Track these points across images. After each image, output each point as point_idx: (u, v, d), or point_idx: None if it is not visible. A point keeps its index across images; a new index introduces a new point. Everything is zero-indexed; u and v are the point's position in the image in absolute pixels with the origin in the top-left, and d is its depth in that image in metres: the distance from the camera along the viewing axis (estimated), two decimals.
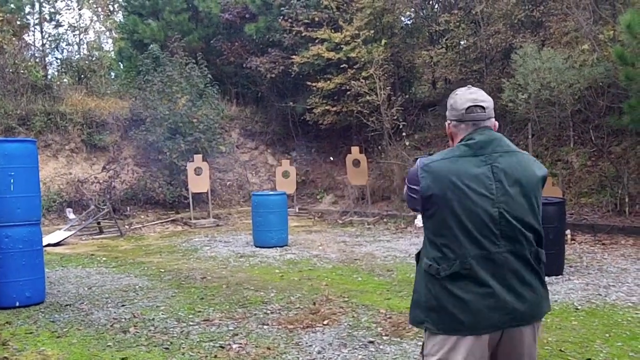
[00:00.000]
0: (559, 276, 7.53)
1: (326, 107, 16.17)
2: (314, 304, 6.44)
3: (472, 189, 2.36)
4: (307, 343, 5.13)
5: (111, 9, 29.92)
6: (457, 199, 2.36)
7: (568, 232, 9.47)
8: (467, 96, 2.55)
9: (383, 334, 5.32)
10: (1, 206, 6.54)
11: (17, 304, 6.55)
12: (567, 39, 13.06)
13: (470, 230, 2.35)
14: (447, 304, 2.37)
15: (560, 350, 4.79)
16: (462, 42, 16.08)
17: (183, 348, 5.03)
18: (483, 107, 2.53)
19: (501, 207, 2.37)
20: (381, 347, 4.98)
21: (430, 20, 17.10)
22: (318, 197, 16.80)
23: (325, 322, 5.70)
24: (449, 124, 2.60)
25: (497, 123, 2.62)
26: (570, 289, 6.91)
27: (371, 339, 5.18)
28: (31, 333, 5.61)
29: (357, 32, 15.76)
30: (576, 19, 12.43)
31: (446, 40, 15.68)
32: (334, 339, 5.21)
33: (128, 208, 14.37)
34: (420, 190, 2.43)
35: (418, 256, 2.61)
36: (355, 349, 4.95)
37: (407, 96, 16.19)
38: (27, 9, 21.86)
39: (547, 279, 7.11)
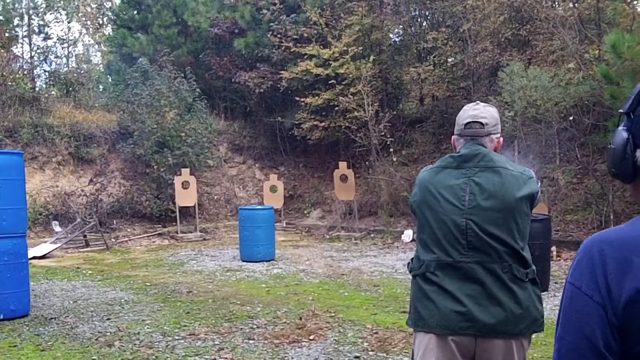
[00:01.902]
0: (544, 292, 7.58)
1: (314, 123, 16.24)
2: (300, 318, 6.44)
3: (444, 197, 2.48)
4: (293, 358, 5.13)
5: (100, 22, 29.96)
6: (431, 206, 2.51)
7: (554, 248, 9.55)
8: (469, 112, 2.65)
9: (369, 349, 5.33)
10: None
11: (2, 316, 6.49)
12: (553, 57, 13.25)
13: (438, 237, 2.47)
14: (418, 302, 2.51)
15: None
16: (449, 60, 16.25)
17: None
18: (482, 123, 2.59)
19: (469, 219, 2.44)
20: None
21: (419, 37, 17.28)
22: (305, 211, 16.81)
23: (311, 337, 5.70)
24: (453, 137, 2.70)
25: (501, 139, 2.70)
26: (555, 305, 6.95)
27: (357, 354, 5.19)
28: (15, 346, 5.56)
29: (345, 48, 15.89)
30: (562, 38, 12.62)
31: (434, 57, 15.83)
32: (320, 354, 5.21)
33: (115, 221, 14.30)
34: (412, 196, 2.65)
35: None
36: None
37: (394, 112, 16.30)
38: (16, 21, 21.82)
39: None
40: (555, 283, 8.10)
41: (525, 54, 14.26)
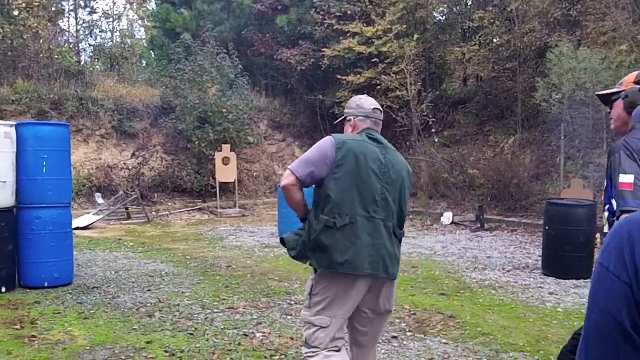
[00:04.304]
0: (587, 279, 7.41)
1: None
2: None
3: (371, 168, 3.08)
4: None
5: None
6: (359, 171, 3.05)
7: (598, 235, 9.32)
8: (370, 101, 3.36)
9: (406, 330, 5.29)
10: (33, 188, 6.65)
11: (46, 284, 6.66)
12: (604, 39, 12.82)
13: (363, 197, 3.05)
14: (337, 249, 2.97)
15: None
16: (495, 40, 15.89)
17: (207, 334, 5.06)
18: (381, 111, 3.37)
19: (384, 187, 3.11)
20: (404, 342, 4.95)
21: (464, 16, 16.92)
22: None
23: None
24: (354, 117, 3.30)
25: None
26: None
27: (394, 334, 5.15)
28: (59, 313, 5.69)
29: (389, 26, 15.68)
30: (614, 18, 12.19)
31: (479, 37, 15.50)
32: None
33: (155, 195, 14.51)
34: (334, 158, 3.05)
35: (304, 220, 3.20)
36: (379, 343, 4.90)
37: (437, 92, 16.07)
38: None
39: (575, 281, 6.96)
40: None
41: (575, 34, 13.85)
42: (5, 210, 6.52)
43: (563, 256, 7.51)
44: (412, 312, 5.85)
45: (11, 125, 6.67)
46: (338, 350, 3.10)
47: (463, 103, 16.85)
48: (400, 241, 3.25)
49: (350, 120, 3.32)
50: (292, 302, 6.20)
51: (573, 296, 6.66)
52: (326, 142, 3.10)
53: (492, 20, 15.16)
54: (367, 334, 3.27)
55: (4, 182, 6.43)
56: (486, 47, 15.85)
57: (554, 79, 11.58)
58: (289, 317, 5.67)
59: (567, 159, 11.94)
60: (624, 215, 2.45)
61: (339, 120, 3.50)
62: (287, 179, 3.05)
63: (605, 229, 2.77)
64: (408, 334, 5.19)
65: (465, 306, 6.14)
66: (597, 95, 3.18)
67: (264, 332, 5.15)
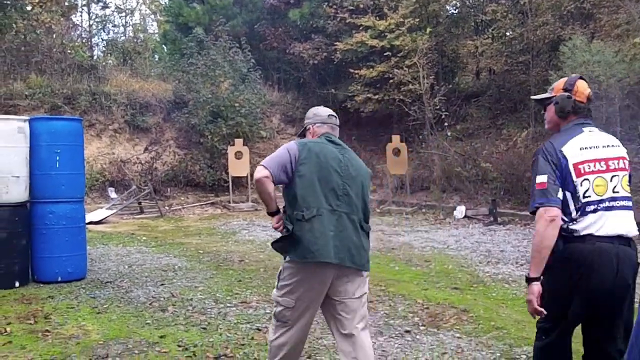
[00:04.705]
0: None
1: (368, 95, 16.08)
2: None
3: (331, 166, 3.38)
4: None
5: None
6: (321, 169, 3.36)
7: None
8: (326, 109, 3.76)
9: (420, 324, 5.26)
10: (46, 182, 6.67)
11: (60, 279, 6.68)
12: (618, 31, 12.69)
13: (326, 192, 3.34)
14: (304, 239, 3.23)
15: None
16: (508, 33, 15.77)
17: (220, 329, 5.06)
18: (336, 117, 3.73)
19: (345, 183, 3.39)
20: (418, 337, 4.92)
21: (477, 10, 16.80)
22: None
23: None
24: (313, 125, 3.64)
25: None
26: None
27: (408, 329, 5.13)
28: (72, 308, 5.71)
29: (402, 20, 15.60)
30: (628, 11, 12.05)
31: (492, 30, 15.38)
32: (370, 327, 5.16)
33: (168, 189, 14.57)
34: (297, 157, 3.34)
35: (272, 214, 3.50)
36: (392, 337, 4.91)
37: (450, 86, 15.97)
38: None
39: None
40: None
41: (588, 27, 13.71)
42: (19, 205, 6.55)
43: None
44: (425, 307, 5.82)
45: (25, 120, 6.69)
46: (302, 333, 3.42)
47: (476, 97, 16.75)
48: (367, 235, 3.47)
49: (309, 128, 3.68)
50: None
51: None
52: (291, 145, 3.44)
53: (505, 14, 15.05)
54: (349, 320, 3.42)
55: (18, 177, 6.46)
56: (499, 40, 15.74)
57: (568, 72, 11.44)
58: None
59: None
60: (539, 210, 2.82)
61: (299, 133, 3.82)
62: (260, 172, 3.33)
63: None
64: (421, 328, 5.16)
65: (479, 300, 6.10)
66: (533, 99, 3.57)
67: None
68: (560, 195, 2.84)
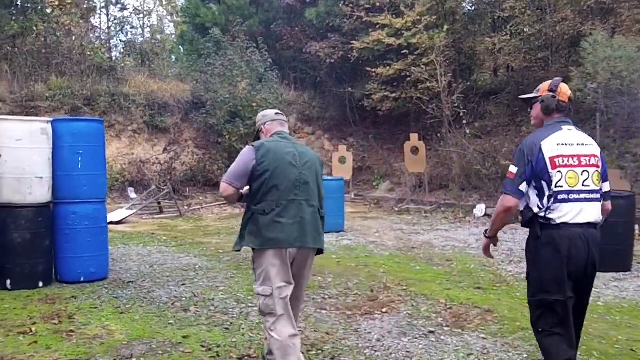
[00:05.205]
0: (627, 272, 7.25)
1: (385, 94, 16.02)
2: (372, 291, 6.39)
3: (286, 159, 3.83)
4: (366, 330, 5.08)
5: None
6: (278, 164, 3.79)
7: (637, 227, 9.10)
8: (272, 110, 4.35)
9: (444, 325, 5.23)
10: (69, 183, 6.71)
11: (82, 279, 6.72)
12: (639, 27, 12.52)
13: (285, 184, 3.78)
14: (266, 230, 3.72)
15: (632, 349, 4.61)
16: (526, 29, 15.63)
17: (243, 329, 5.06)
18: (283, 114, 4.27)
19: (301, 173, 3.85)
20: (442, 337, 4.88)
21: (494, 6, 16.67)
22: (374, 183, 16.69)
23: (384, 310, 5.64)
24: (264, 124, 4.14)
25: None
26: (639, 286, 6.65)
27: (431, 329, 5.10)
28: (95, 308, 5.74)
29: (418, 17, 15.53)
30: None
31: (511, 26, 15.24)
32: (393, 327, 5.15)
33: (187, 189, 14.62)
34: (255, 159, 3.79)
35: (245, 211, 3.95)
36: (416, 338, 4.88)
37: (468, 84, 15.86)
38: None
39: (615, 275, 6.83)
40: (639, 263, 7.73)
41: (609, 23, 13.55)
42: (43, 206, 6.60)
43: (602, 249, 7.31)
44: (448, 307, 5.78)
45: (47, 122, 6.74)
46: (294, 335, 3.78)
47: (494, 94, 16.62)
48: (323, 219, 3.98)
49: (261, 129, 4.17)
50: (326, 297, 6.18)
51: (613, 289, 6.52)
52: (247, 150, 3.88)
53: (523, 10, 14.91)
54: (299, 289, 4.02)
55: (41, 178, 6.51)
56: (517, 37, 15.59)
57: (589, 68, 11.34)
58: (323, 311, 5.65)
59: (603, 150, 11.66)
60: (502, 195, 3.40)
61: (254, 136, 4.28)
62: (226, 191, 3.85)
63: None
64: (445, 328, 5.13)
65: (503, 300, 6.05)
66: (520, 98, 4.03)
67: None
68: (523, 187, 3.34)
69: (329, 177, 12.70)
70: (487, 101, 16.39)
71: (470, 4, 18.42)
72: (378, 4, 16.18)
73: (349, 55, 16.54)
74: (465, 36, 17.10)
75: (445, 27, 15.59)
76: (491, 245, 3.81)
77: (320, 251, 4.03)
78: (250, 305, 5.81)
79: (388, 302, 5.90)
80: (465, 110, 14.65)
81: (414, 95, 15.28)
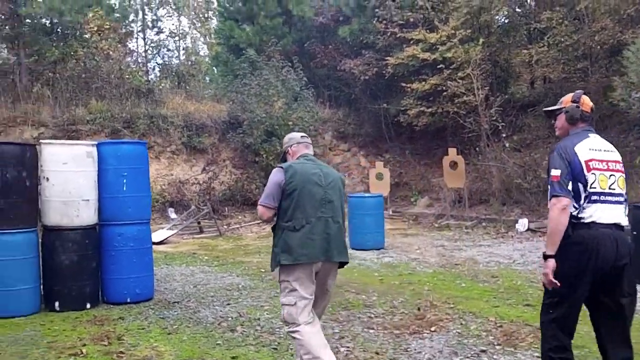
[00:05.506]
0: None
1: (421, 109, 15.92)
2: (419, 309, 6.29)
3: (313, 180, 4.13)
4: (416, 349, 5.00)
5: (206, 15, 30.85)
6: (305, 184, 4.08)
7: None
8: (298, 133, 4.62)
9: (495, 343, 5.11)
10: (114, 205, 6.81)
11: (128, 299, 6.78)
12: None
13: (312, 203, 4.08)
14: (298, 246, 3.99)
15: None
16: (564, 40, 15.40)
17: (291, 349, 5.01)
18: (308, 137, 4.57)
19: (326, 192, 4.15)
20: (494, 356, 4.77)
21: (528, 18, 16.49)
22: (412, 199, 16.55)
23: (432, 329, 5.55)
24: (290, 146, 4.42)
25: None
26: None
27: (483, 348, 4.99)
28: (143, 329, 5.77)
29: (453, 31, 15.44)
30: None
31: (548, 37, 15.03)
32: (443, 347, 5.05)
33: (226, 208, 14.71)
34: (284, 180, 4.09)
35: (274, 228, 4.22)
36: (467, 357, 4.78)
37: (506, 96, 15.67)
38: (131, 17, 22.88)
39: None
40: None
41: None
42: (89, 228, 6.70)
43: None
44: (498, 325, 5.66)
45: (93, 145, 6.85)
46: (310, 323, 4.05)
47: (531, 106, 16.37)
48: (345, 232, 4.37)
49: (288, 151, 4.44)
50: (373, 315, 6.11)
51: None
52: (276, 171, 4.18)
53: (560, 21, 14.70)
54: (316, 306, 4.25)
55: (88, 200, 6.61)
56: (555, 47, 15.36)
57: (633, 77, 11.09)
58: (371, 330, 5.57)
59: None
60: (552, 200, 3.44)
61: (281, 157, 4.57)
62: (265, 214, 4.18)
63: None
64: (497, 347, 5.01)
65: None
66: (544, 110, 4.18)
67: (348, 347, 5.08)
68: (570, 187, 3.45)
69: (367, 194, 12.66)
70: (524, 114, 16.16)
71: (504, 17, 18.27)
72: (412, 20, 16.15)
73: (384, 72, 16.51)
74: (500, 49, 16.94)
75: (481, 40, 15.47)
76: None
77: (343, 263, 4.34)
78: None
79: (436, 321, 5.80)
80: (503, 124, 14.47)
81: (451, 109, 15.16)
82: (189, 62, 22.71)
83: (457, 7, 15.76)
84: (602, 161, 3.54)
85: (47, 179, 6.53)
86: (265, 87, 15.44)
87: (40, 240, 6.67)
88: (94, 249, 6.73)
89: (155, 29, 23.46)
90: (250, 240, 12.30)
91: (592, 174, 3.48)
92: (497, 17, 17.53)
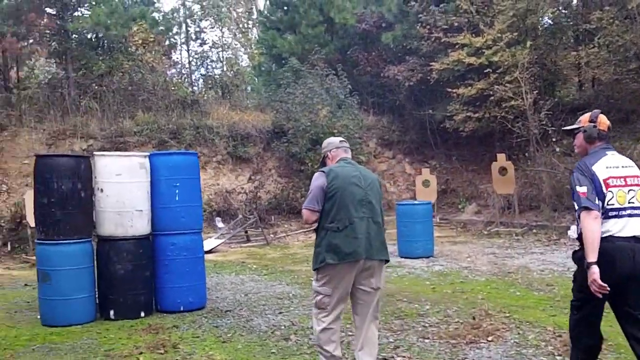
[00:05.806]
0: None
1: (467, 114, 15.70)
2: (474, 318, 6.17)
3: (352, 181, 4.29)
4: (473, 359, 4.89)
5: (247, 25, 31.18)
6: (346, 186, 4.24)
7: None
8: (336, 138, 4.71)
9: (555, 354, 4.97)
10: (167, 215, 6.89)
11: (182, 308, 6.86)
12: None
13: (353, 204, 4.22)
14: (344, 245, 4.12)
15: None
16: (615, 40, 15.00)
17: (346, 358, 4.97)
18: (346, 141, 4.71)
19: (366, 193, 4.30)
20: None
21: (576, 19, 16.12)
22: (460, 206, 16.32)
23: (489, 339, 5.42)
24: (329, 151, 4.58)
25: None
26: None
27: (543, 359, 4.86)
28: (198, 337, 5.81)
29: (499, 35, 15.20)
30: None
31: (598, 38, 14.67)
32: (501, 357, 4.93)
33: (272, 217, 14.76)
34: (326, 183, 4.25)
35: (317, 230, 4.33)
36: None
37: (555, 100, 15.33)
38: (175, 29, 23.28)
39: None
40: None
41: None
42: (143, 238, 6.79)
43: None
44: (557, 334, 5.50)
45: (145, 156, 6.95)
46: (337, 317, 4.27)
47: (581, 109, 15.90)
48: (384, 231, 4.46)
49: (327, 155, 4.60)
50: (427, 325, 6.02)
51: None
52: (318, 175, 4.34)
53: (611, 20, 14.33)
54: (365, 305, 4.32)
55: (141, 210, 6.71)
56: (606, 48, 14.98)
57: None
58: (426, 340, 5.48)
59: None
60: (584, 212, 3.58)
61: (320, 161, 4.75)
62: (310, 218, 4.31)
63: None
64: (557, 358, 4.87)
65: (615, 327, 5.57)
66: (563, 130, 4.48)
67: (404, 357, 5.01)
68: (598, 202, 3.61)
69: (415, 202, 12.53)
70: (574, 117, 15.67)
71: (550, 19, 17.92)
72: (456, 24, 15.98)
73: (428, 77, 16.36)
74: (547, 51, 16.61)
75: (528, 43, 15.19)
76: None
77: (385, 261, 4.41)
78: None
79: (492, 330, 5.67)
80: (553, 128, 14.16)
81: (498, 114, 14.91)
82: (232, 73, 22.90)
83: (502, 10, 15.52)
84: (619, 177, 3.71)
85: (102, 190, 6.66)
86: (309, 95, 15.47)
87: (95, 250, 6.80)
88: (148, 259, 6.82)
89: (199, 41, 23.79)
90: (297, 248, 12.31)
91: (610, 191, 3.66)
92: (543, 19, 17.22)
